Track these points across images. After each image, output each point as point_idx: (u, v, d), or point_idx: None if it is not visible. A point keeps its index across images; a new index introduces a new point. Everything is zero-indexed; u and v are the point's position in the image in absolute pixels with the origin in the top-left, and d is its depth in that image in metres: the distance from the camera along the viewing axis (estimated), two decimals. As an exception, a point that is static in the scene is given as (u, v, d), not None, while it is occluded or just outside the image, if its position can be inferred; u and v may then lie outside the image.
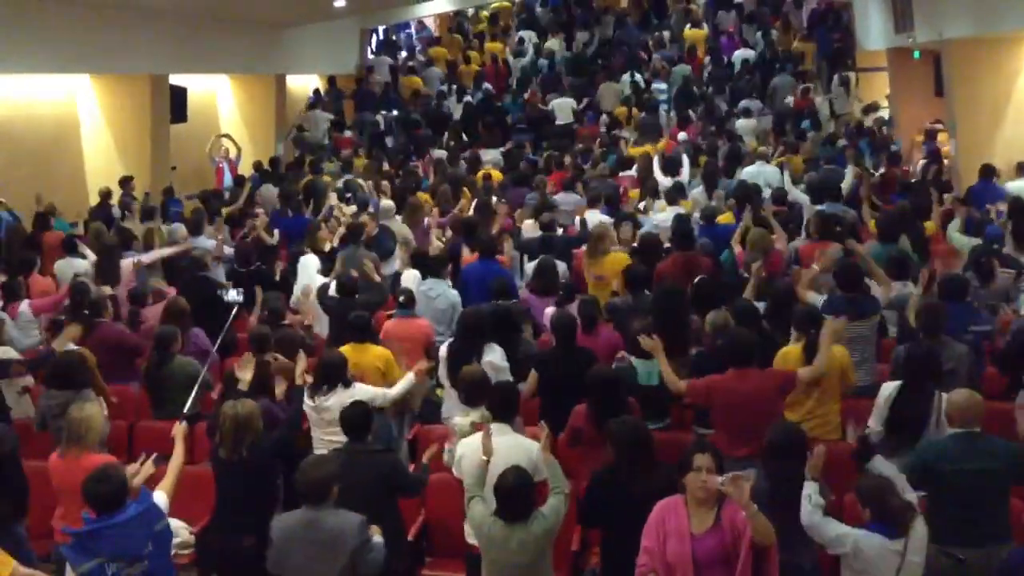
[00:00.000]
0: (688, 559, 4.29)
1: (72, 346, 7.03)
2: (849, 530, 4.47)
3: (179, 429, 5.43)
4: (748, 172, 12.49)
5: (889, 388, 5.79)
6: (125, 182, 12.62)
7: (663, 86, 19.18)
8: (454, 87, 19.88)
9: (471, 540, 5.16)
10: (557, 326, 6.79)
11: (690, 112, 17.74)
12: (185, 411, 5.65)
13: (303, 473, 4.73)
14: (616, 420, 5.21)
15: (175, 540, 5.83)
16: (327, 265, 9.19)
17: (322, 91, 19.10)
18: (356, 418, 5.45)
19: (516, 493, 4.64)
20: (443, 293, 8.27)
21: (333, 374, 6.27)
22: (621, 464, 4.96)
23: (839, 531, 4.48)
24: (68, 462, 5.31)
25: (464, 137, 17.68)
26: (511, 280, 8.52)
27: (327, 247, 9.83)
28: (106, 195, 12.30)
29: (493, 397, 5.61)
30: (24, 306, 8.24)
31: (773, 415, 5.63)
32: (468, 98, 19.08)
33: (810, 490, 4.61)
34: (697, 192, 11.83)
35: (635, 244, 9.37)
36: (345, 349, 6.78)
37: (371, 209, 11.38)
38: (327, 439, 6.13)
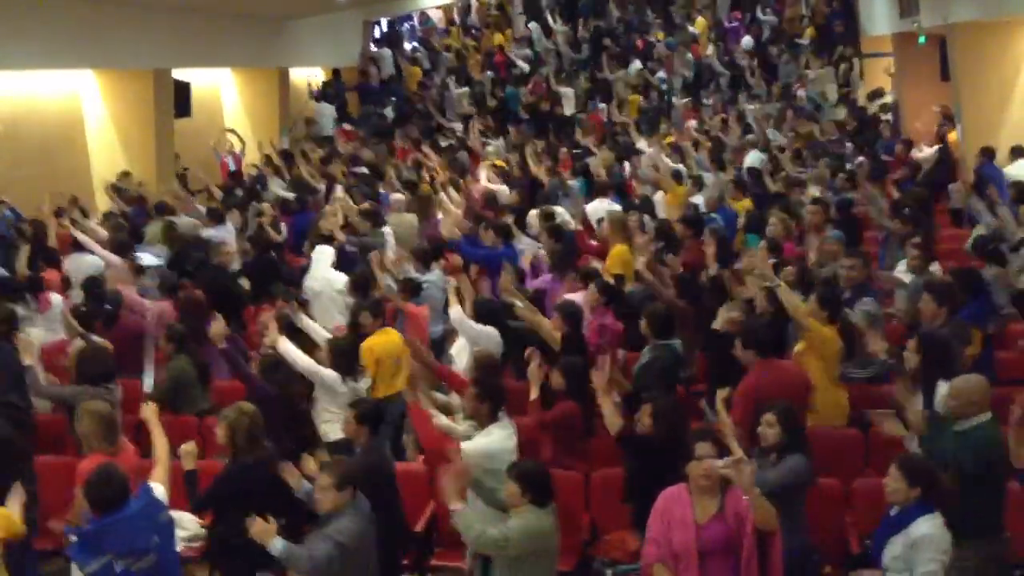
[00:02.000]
0: (692, 548, 4.28)
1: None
2: (932, 556, 4.25)
3: (149, 410, 5.12)
4: (751, 159, 12.64)
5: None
6: (122, 178, 12.73)
7: (665, 75, 19.23)
8: (458, 77, 19.92)
9: None
10: (565, 315, 6.82)
11: (702, 100, 17.82)
12: (147, 391, 5.43)
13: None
14: (656, 399, 5.34)
15: (185, 533, 5.87)
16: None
17: (320, 84, 19.06)
18: (375, 411, 5.46)
19: (544, 468, 4.73)
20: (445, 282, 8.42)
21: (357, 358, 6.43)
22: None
23: (934, 566, 4.26)
24: (119, 457, 5.06)
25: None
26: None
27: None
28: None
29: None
30: (56, 299, 8.20)
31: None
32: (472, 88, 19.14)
33: None
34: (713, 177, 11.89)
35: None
36: (379, 336, 6.95)
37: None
38: None
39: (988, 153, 11.65)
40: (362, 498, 4.72)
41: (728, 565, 4.24)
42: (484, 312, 7.09)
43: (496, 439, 5.24)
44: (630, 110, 18.04)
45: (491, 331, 6.89)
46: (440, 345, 7.93)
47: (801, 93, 17.87)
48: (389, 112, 18.72)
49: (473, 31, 23.01)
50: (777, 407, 5.02)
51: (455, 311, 6.94)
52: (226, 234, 10.28)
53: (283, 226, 11.10)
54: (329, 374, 6.31)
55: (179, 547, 5.74)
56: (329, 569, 4.51)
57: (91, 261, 9.27)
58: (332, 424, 6.26)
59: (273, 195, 12.28)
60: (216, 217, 10.65)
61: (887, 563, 4.39)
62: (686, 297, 7.45)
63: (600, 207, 10.50)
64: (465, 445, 5.14)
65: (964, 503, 4.51)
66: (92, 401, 5.45)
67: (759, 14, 21.35)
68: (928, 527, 4.28)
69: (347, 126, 17.92)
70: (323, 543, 4.53)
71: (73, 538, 4.35)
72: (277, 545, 4.55)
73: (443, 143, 16.02)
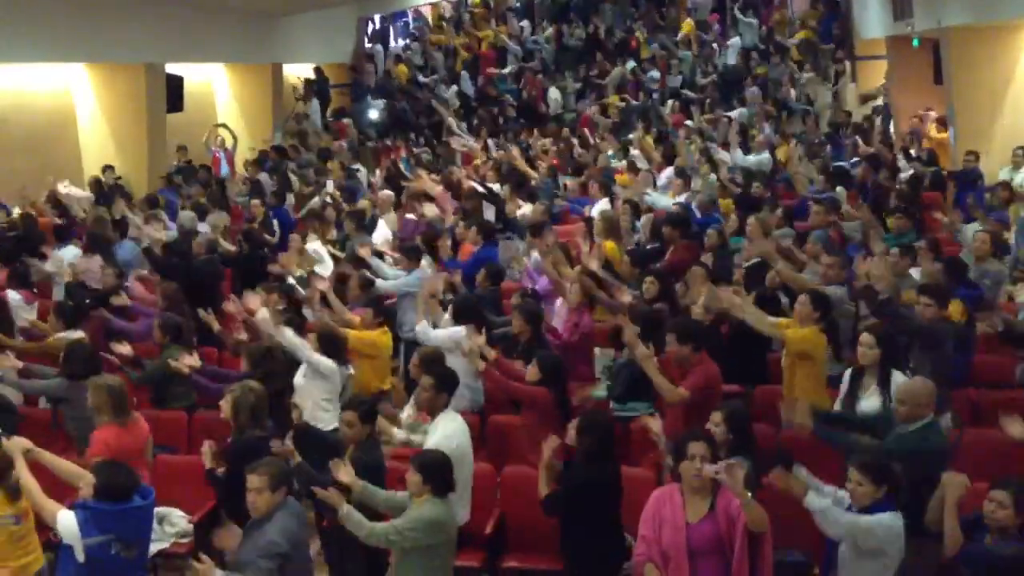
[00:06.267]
0: (682, 547, 4.28)
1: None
2: (872, 519, 4.27)
3: (13, 446, 4.71)
4: (755, 160, 12.81)
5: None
6: (105, 171, 12.78)
7: (656, 74, 19.28)
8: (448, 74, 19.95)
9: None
10: (525, 316, 6.76)
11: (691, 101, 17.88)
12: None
13: None
14: (588, 413, 5.34)
15: (173, 529, 5.87)
16: None
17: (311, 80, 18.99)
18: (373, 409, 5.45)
19: (445, 459, 4.78)
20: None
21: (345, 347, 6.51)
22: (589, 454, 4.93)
23: (863, 521, 4.26)
24: (131, 429, 5.49)
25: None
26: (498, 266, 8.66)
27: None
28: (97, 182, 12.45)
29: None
30: (14, 296, 8.18)
31: None
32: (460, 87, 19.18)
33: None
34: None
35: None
36: (378, 332, 7.01)
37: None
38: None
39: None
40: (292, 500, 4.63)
41: (718, 565, 4.25)
42: (462, 309, 7.05)
43: (450, 429, 5.32)
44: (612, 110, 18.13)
45: (460, 332, 6.86)
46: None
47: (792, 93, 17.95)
48: (378, 110, 18.72)
49: (465, 27, 22.96)
50: (727, 407, 5.06)
51: (421, 327, 6.85)
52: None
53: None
54: (327, 362, 6.32)
55: (168, 543, 5.77)
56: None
57: (68, 254, 9.25)
58: (329, 414, 6.25)
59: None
60: (201, 214, 10.64)
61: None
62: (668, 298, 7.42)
63: (598, 207, 10.53)
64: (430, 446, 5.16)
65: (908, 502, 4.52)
66: (102, 376, 5.68)
67: (739, 15, 21.29)
68: (895, 523, 4.26)
69: (346, 120, 17.91)
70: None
71: (81, 511, 4.37)
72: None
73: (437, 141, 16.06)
